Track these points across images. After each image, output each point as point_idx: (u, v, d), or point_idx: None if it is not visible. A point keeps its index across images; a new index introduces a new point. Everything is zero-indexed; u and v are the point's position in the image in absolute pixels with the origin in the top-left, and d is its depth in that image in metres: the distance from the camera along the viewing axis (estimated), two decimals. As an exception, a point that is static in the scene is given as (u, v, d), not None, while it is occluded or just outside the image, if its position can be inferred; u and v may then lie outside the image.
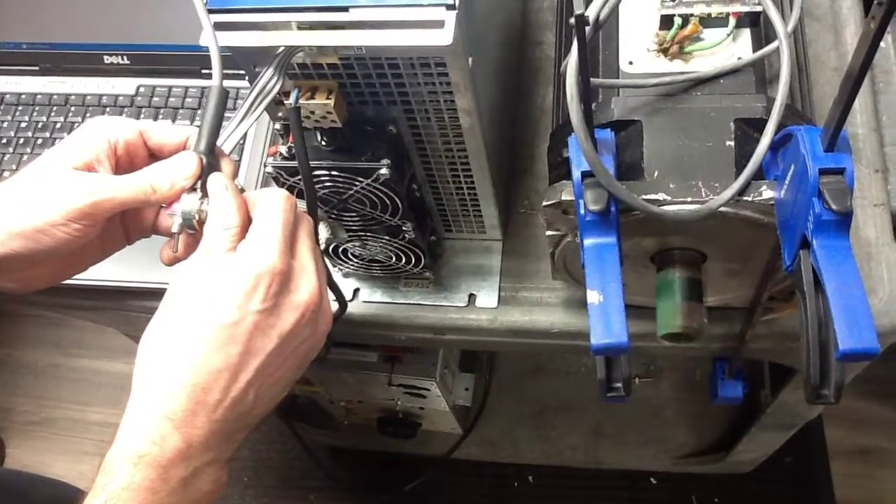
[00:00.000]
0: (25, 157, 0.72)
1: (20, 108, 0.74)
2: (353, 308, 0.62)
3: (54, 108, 0.74)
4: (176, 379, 0.42)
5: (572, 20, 0.35)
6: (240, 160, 0.68)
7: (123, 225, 0.51)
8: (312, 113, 0.45)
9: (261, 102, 0.44)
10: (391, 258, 0.58)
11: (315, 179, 0.49)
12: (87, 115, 0.73)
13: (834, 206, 0.37)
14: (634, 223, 0.44)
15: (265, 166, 0.50)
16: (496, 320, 0.61)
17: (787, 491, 1.18)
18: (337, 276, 0.63)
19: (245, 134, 0.47)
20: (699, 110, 0.46)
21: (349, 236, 0.57)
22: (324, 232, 0.57)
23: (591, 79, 0.43)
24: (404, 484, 1.20)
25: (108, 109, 0.73)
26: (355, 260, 0.60)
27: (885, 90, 0.64)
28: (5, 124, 0.73)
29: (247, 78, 0.46)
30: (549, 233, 0.48)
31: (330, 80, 0.45)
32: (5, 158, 0.72)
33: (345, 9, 0.41)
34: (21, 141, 0.72)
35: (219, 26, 0.43)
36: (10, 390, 1.46)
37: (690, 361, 1.14)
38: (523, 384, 1.17)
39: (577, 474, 1.19)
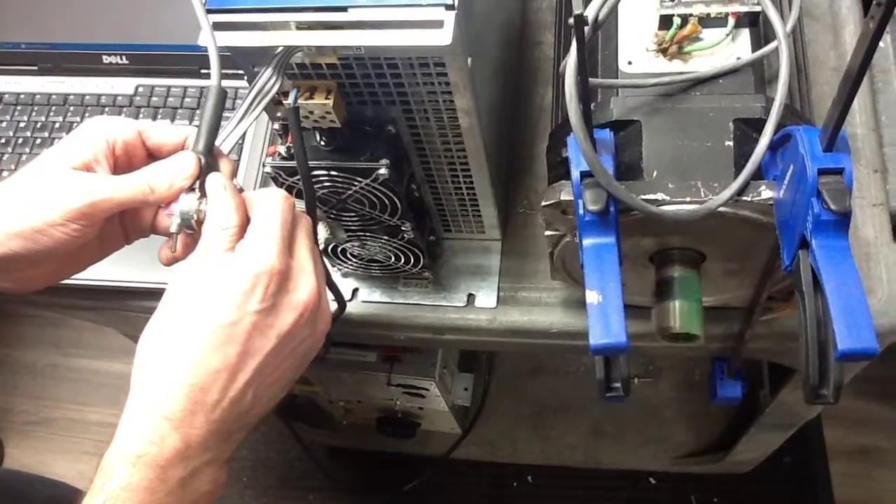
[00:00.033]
0: (24, 157, 0.72)
1: (19, 107, 0.74)
2: (352, 308, 0.62)
3: (53, 108, 0.74)
4: (174, 379, 0.42)
5: (571, 20, 0.35)
6: (239, 160, 0.68)
7: (122, 225, 0.51)
8: (311, 113, 0.45)
9: (259, 102, 0.44)
10: (390, 258, 0.58)
11: (314, 179, 0.49)
12: (86, 114, 0.73)
13: (833, 206, 0.37)
14: (633, 223, 0.44)
15: (264, 166, 0.50)
16: (495, 320, 0.61)
17: (786, 491, 1.18)
18: (336, 275, 0.63)
19: (244, 134, 0.47)
20: (698, 110, 0.46)
21: (348, 236, 0.57)
22: (323, 232, 0.57)
23: (590, 79, 0.43)
24: (403, 484, 1.20)
25: (106, 109, 0.73)
26: (354, 260, 0.60)
27: (884, 90, 0.64)
28: (4, 124, 0.73)
29: (245, 78, 0.46)
30: (548, 233, 0.48)
31: (329, 80, 0.45)
32: (4, 158, 0.72)
33: (343, 9, 0.41)
34: (20, 141, 0.72)
35: (217, 26, 0.43)
36: (9, 390, 1.46)
37: (689, 361, 1.14)
38: (522, 384, 1.17)
39: (576, 474, 1.20)
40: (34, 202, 0.45)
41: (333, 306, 0.54)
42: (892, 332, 0.56)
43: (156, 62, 0.73)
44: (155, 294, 0.46)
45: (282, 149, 0.49)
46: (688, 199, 0.43)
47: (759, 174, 0.43)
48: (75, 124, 0.72)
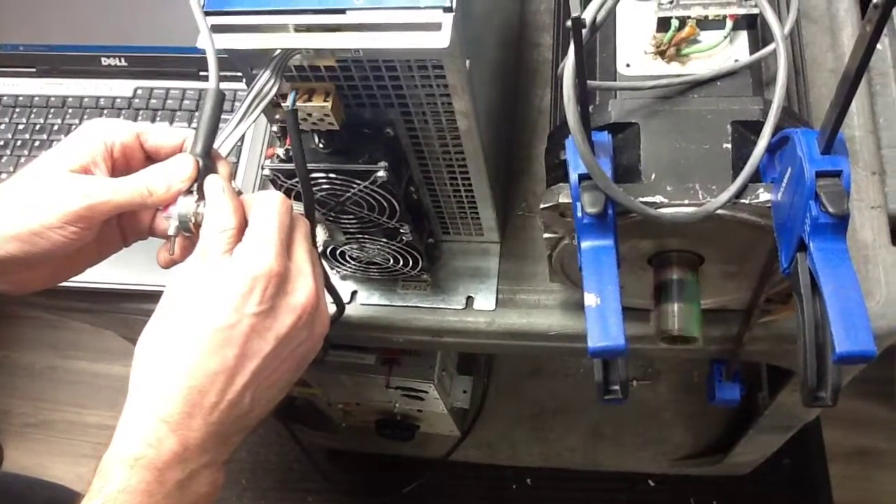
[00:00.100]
0: (23, 160, 0.72)
1: (17, 109, 0.74)
2: (350, 310, 0.62)
3: (52, 110, 0.74)
4: (172, 381, 0.42)
5: (569, 23, 0.35)
6: (237, 162, 0.68)
7: (120, 227, 0.51)
8: (310, 115, 0.45)
9: (258, 105, 0.44)
10: (389, 260, 0.58)
11: (312, 182, 0.49)
12: (85, 117, 0.73)
13: (831, 209, 0.37)
14: (632, 225, 0.44)
15: (262, 169, 0.50)
16: (494, 323, 0.61)
17: (785, 493, 1.18)
18: (335, 278, 0.63)
19: (242, 136, 0.47)
20: (696, 113, 0.46)
21: (347, 239, 0.57)
22: (321, 234, 0.57)
23: (588, 81, 0.43)
24: (402, 486, 1.20)
25: (105, 111, 0.73)
26: (353, 262, 0.60)
27: (882, 92, 0.64)
28: (2, 126, 0.73)
29: (244, 80, 0.46)
30: (546, 235, 0.48)
31: (327, 83, 0.45)
32: (2, 161, 0.72)
33: (342, 11, 0.41)
34: (18, 143, 0.72)
35: (216, 28, 0.43)
36: (8, 392, 1.46)
37: (688, 363, 1.14)
38: (521, 386, 1.17)
39: (575, 476, 1.19)
40: (32, 205, 0.45)
41: (332, 309, 0.54)
42: (890, 334, 0.56)
43: (154, 64, 0.73)
44: (153, 296, 0.46)
45: (280, 151, 0.49)
46: (686, 202, 0.43)
47: (757, 177, 0.43)
48: (74, 126, 0.72)
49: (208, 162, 0.46)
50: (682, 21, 0.47)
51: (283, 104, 0.45)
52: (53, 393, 1.45)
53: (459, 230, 0.62)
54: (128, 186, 0.46)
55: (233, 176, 0.48)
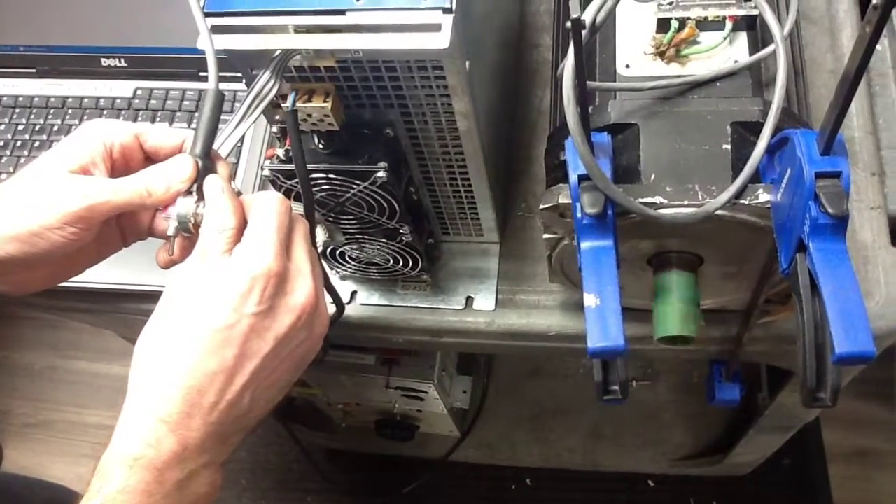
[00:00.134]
0: (22, 160, 0.72)
1: (17, 110, 0.74)
2: (350, 311, 0.62)
3: (51, 111, 0.74)
4: (171, 381, 0.42)
5: (569, 24, 0.35)
6: (237, 163, 0.68)
7: (119, 228, 0.51)
8: (309, 116, 0.45)
9: (258, 105, 0.44)
10: (388, 261, 0.58)
11: (312, 182, 0.49)
12: (85, 117, 0.73)
13: (830, 210, 0.37)
14: (631, 226, 0.44)
15: (262, 169, 0.50)
16: (493, 323, 0.61)
17: (784, 493, 1.18)
18: (334, 278, 0.63)
19: (242, 137, 0.47)
20: (696, 113, 0.46)
21: (346, 239, 0.57)
22: (321, 235, 0.57)
23: (588, 82, 0.43)
24: (402, 486, 1.20)
25: (105, 112, 0.73)
26: (353, 263, 0.60)
27: (882, 93, 0.64)
28: (2, 127, 0.73)
29: (244, 81, 0.46)
30: (546, 236, 0.48)
31: (327, 84, 0.45)
32: (2, 161, 0.72)
33: (342, 12, 0.41)
34: (18, 144, 0.72)
35: (216, 29, 0.43)
36: (8, 392, 1.46)
37: (688, 364, 1.14)
38: (521, 386, 1.17)
39: (574, 477, 1.19)
40: (31, 205, 0.45)
41: (332, 309, 0.54)
42: (889, 335, 0.56)
43: (154, 65, 0.73)
44: (152, 297, 0.46)
45: (280, 152, 0.49)
46: (685, 203, 0.43)
47: (756, 177, 0.43)
48: (73, 127, 0.72)
49: (208, 162, 0.46)
50: (682, 22, 0.48)
51: (282, 105, 0.45)
52: (53, 393, 1.45)
53: (459, 231, 0.62)
54: (127, 187, 0.46)
55: (232, 176, 0.48)
